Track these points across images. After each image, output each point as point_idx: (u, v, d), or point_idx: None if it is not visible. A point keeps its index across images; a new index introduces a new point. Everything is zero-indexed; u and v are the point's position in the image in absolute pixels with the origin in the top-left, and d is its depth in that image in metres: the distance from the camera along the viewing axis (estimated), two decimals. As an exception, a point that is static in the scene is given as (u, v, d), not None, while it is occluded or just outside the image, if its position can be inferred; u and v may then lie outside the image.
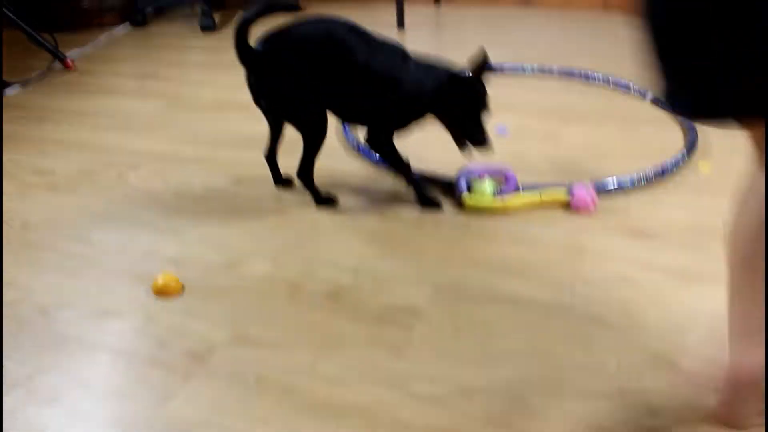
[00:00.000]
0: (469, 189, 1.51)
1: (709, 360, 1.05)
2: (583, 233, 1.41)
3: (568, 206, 1.50)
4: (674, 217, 1.46)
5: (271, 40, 1.45)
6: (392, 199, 1.56)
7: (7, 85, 2.44)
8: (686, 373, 1.03)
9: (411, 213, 1.50)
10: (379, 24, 3.17)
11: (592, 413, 0.97)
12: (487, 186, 1.50)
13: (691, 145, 1.72)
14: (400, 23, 3.08)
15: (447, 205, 1.52)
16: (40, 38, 2.65)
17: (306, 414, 0.98)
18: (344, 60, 1.43)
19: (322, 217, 1.50)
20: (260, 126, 1.96)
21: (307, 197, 1.56)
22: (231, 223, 1.50)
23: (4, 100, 2.37)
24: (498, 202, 1.49)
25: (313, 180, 1.54)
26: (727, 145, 1.78)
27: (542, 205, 1.50)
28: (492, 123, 1.94)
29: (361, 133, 1.55)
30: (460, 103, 1.45)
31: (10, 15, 2.64)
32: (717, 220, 1.43)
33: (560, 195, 1.50)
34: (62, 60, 2.66)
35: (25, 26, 2.65)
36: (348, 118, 1.54)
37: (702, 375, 1.02)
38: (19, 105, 2.31)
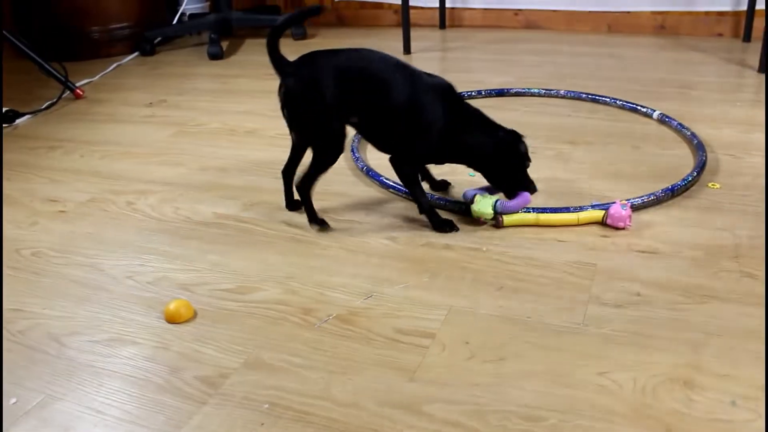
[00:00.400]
0: (472, 202, 1.52)
1: (724, 377, 1.05)
2: (595, 253, 1.40)
3: (602, 224, 1.51)
4: (686, 236, 1.45)
5: (310, 56, 1.49)
6: (403, 222, 1.56)
7: (19, 115, 2.46)
8: (702, 390, 1.02)
9: (422, 236, 1.50)
10: (386, 49, 3.19)
11: (609, 434, 0.96)
12: (489, 200, 1.50)
13: (700, 165, 1.72)
14: (407, 48, 3.10)
15: (461, 229, 1.52)
16: (50, 68, 2.68)
17: (320, 439, 0.97)
18: (384, 96, 1.46)
19: (333, 241, 1.50)
20: (269, 152, 1.97)
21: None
22: (241, 249, 1.50)
23: (16, 130, 2.39)
24: (532, 218, 1.51)
25: (310, 196, 1.55)
26: (735, 165, 1.79)
27: (578, 223, 1.51)
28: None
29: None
30: (507, 165, 1.49)
31: (21, 45, 2.68)
32: (728, 238, 1.43)
33: (597, 214, 1.51)
34: (72, 89, 2.69)
35: (35, 56, 2.68)
36: (381, 148, 1.57)
37: (717, 392, 1.02)
38: (30, 135, 2.34)
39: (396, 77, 1.47)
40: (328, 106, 1.45)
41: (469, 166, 1.54)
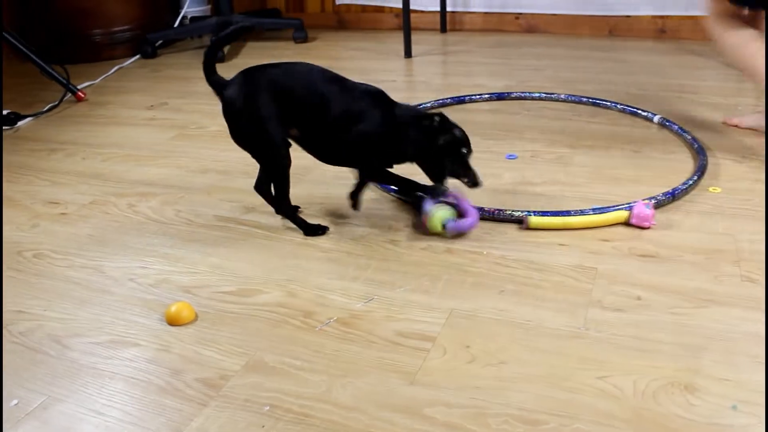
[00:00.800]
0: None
1: (725, 381, 1.05)
2: (595, 257, 1.41)
3: (627, 224, 1.52)
4: (686, 240, 1.46)
5: (245, 72, 1.49)
6: (404, 226, 1.57)
7: (21, 117, 2.47)
8: (703, 395, 1.03)
9: (423, 240, 1.50)
10: (387, 53, 3.22)
11: (610, 438, 0.96)
12: (441, 213, 1.48)
13: (701, 169, 1.72)
14: (408, 52, 3.11)
15: (459, 234, 1.52)
16: (52, 71, 2.68)
17: (321, 441, 0.98)
18: (321, 106, 1.46)
19: (334, 244, 1.51)
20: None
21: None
22: (242, 252, 1.50)
23: (17, 132, 2.40)
24: (560, 221, 1.51)
25: (293, 212, 1.58)
26: (736, 169, 1.79)
27: (603, 224, 1.52)
28: (502, 151, 1.97)
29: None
30: (448, 153, 1.50)
31: (23, 48, 2.68)
32: (729, 243, 1.44)
33: (622, 215, 1.52)
34: (74, 92, 2.69)
35: (37, 59, 2.69)
36: (327, 161, 1.56)
37: (718, 396, 1.02)
38: (32, 137, 2.34)
39: (332, 89, 1.48)
40: (265, 118, 1.45)
41: (415, 162, 1.54)
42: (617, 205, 1.55)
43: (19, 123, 2.46)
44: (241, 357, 1.16)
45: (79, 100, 2.70)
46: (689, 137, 1.95)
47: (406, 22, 3.06)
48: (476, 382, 1.07)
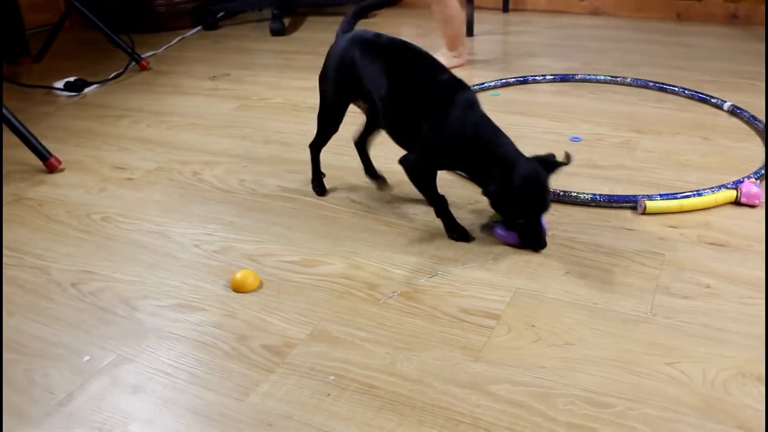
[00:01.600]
0: None
1: (802, 375, 1.03)
2: (663, 243, 1.38)
3: (736, 203, 1.52)
4: (757, 230, 1.42)
5: (361, 34, 1.48)
6: (464, 203, 1.56)
7: (87, 84, 2.52)
8: (777, 388, 1.00)
9: (484, 219, 1.49)
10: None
11: (678, 422, 0.95)
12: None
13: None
14: (470, 31, 3.07)
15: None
16: (118, 39, 2.72)
17: (386, 412, 0.98)
18: (411, 91, 1.38)
19: (398, 219, 1.51)
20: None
21: (383, 199, 1.58)
22: (306, 223, 1.51)
23: (84, 99, 2.44)
24: (676, 205, 1.49)
25: (317, 159, 1.64)
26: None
27: (715, 204, 1.51)
28: (566, 133, 1.94)
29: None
30: (522, 202, 1.32)
31: (91, 17, 2.73)
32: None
33: (731, 194, 1.51)
34: (138, 61, 2.73)
35: (104, 27, 2.73)
36: (396, 140, 1.47)
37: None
38: (98, 103, 2.38)
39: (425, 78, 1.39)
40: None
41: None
42: (724, 185, 1.54)
43: (86, 90, 2.51)
44: (305, 326, 1.17)
45: (143, 68, 2.74)
46: (761, 125, 1.89)
47: (469, 0, 3.02)
48: (542, 362, 1.07)
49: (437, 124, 1.34)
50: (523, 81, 2.37)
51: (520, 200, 1.30)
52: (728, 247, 1.37)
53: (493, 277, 1.29)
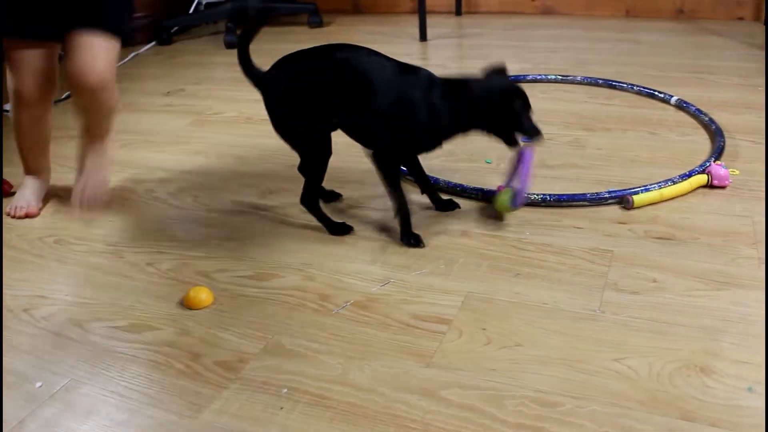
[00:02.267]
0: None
1: (742, 363, 1.05)
2: (611, 240, 1.41)
3: (708, 186, 1.59)
4: (703, 223, 1.45)
5: (280, 63, 1.44)
6: (420, 209, 1.57)
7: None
8: (719, 377, 1.03)
9: (439, 223, 1.51)
10: (402, 37, 3.21)
11: (625, 417, 0.97)
12: (505, 195, 1.48)
13: (718, 151, 1.71)
14: (423, 36, 3.09)
15: (475, 217, 1.53)
16: (69, 58, 2.69)
17: (338, 423, 0.99)
18: (363, 89, 1.37)
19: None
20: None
21: (335, 209, 1.58)
22: (259, 237, 1.51)
23: (36, 119, 2.41)
24: (657, 194, 1.53)
25: (318, 208, 1.50)
26: (755, 151, 1.78)
27: (690, 189, 1.57)
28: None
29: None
30: (510, 110, 1.39)
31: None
32: (747, 225, 1.43)
33: (703, 178, 1.58)
34: (91, 79, 2.70)
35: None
36: (364, 143, 1.46)
37: (734, 378, 1.02)
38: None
39: (374, 70, 1.39)
40: (303, 110, 1.40)
41: (478, 128, 1.42)
42: (694, 170, 1.60)
43: (38, 110, 2.47)
44: (259, 340, 1.18)
45: (97, 86, 2.71)
46: (707, 119, 1.94)
47: (421, 4, 3.04)
48: (492, 365, 1.08)
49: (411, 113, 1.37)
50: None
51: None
52: (675, 241, 1.40)
53: (444, 282, 1.30)
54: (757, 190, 1.57)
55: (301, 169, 1.53)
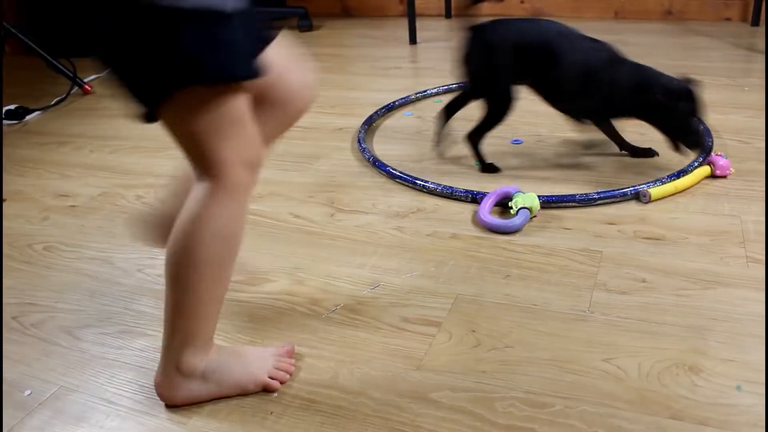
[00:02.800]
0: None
1: (730, 362, 1.06)
2: (601, 240, 1.41)
3: (712, 176, 1.65)
4: (692, 223, 1.46)
5: (493, 24, 1.67)
6: (410, 212, 1.57)
7: (29, 111, 2.49)
8: (707, 375, 1.03)
9: (429, 226, 1.51)
10: (392, 40, 3.22)
11: (615, 417, 0.97)
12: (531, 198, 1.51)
13: (707, 151, 1.71)
14: (413, 39, 3.10)
15: (465, 220, 1.53)
16: (58, 64, 2.70)
17: (328, 427, 0.99)
18: (551, 60, 1.63)
19: (340, 232, 1.52)
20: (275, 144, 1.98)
21: (325, 213, 1.59)
22: (250, 241, 1.50)
23: (25, 126, 2.41)
24: (671, 187, 1.58)
25: (479, 146, 1.74)
26: (743, 150, 1.79)
27: (698, 180, 1.63)
28: (507, 136, 1.97)
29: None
30: (679, 112, 1.59)
31: (29, 42, 2.70)
32: (735, 224, 1.44)
33: (707, 169, 1.65)
34: (81, 85, 2.70)
35: (43, 53, 2.70)
36: (554, 103, 1.73)
37: (722, 376, 1.02)
38: (40, 131, 2.36)
39: (563, 44, 1.65)
40: (501, 67, 1.65)
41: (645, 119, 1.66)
42: (693, 162, 1.66)
43: (27, 117, 2.47)
44: (249, 345, 1.17)
45: (86, 93, 2.71)
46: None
47: (411, 8, 3.05)
48: (482, 366, 1.08)
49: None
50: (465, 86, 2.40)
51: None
52: (664, 241, 1.40)
53: (434, 284, 1.30)
54: (744, 190, 1.58)
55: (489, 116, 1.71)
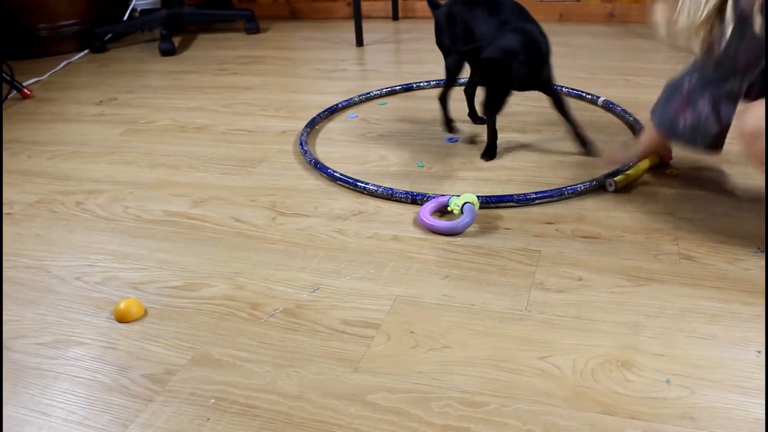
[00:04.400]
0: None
1: (660, 356, 1.08)
2: (540, 240, 1.43)
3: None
4: (628, 221, 1.49)
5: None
6: (351, 214, 1.58)
7: (-37, 116, 2.42)
8: (639, 370, 1.06)
9: (370, 228, 1.52)
10: (339, 42, 3.22)
11: (549, 414, 0.99)
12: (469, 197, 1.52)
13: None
14: (359, 41, 3.10)
15: (406, 221, 1.54)
16: (-5, 68, 2.63)
17: (267, 431, 0.98)
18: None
19: (281, 235, 1.51)
20: (219, 148, 1.98)
21: (267, 217, 1.58)
22: (190, 246, 1.50)
23: (-39, 131, 2.35)
24: (633, 172, 1.65)
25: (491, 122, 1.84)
26: (679, 150, 1.82)
27: (652, 164, 1.69)
28: (445, 136, 1.99)
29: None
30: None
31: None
32: (669, 222, 1.47)
33: (655, 157, 1.70)
34: (19, 89, 2.65)
35: (-20, 57, 2.63)
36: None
37: (653, 371, 1.05)
38: (-24, 136, 2.30)
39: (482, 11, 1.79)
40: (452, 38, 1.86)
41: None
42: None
43: (-36, 122, 2.41)
44: (187, 351, 1.16)
45: (25, 97, 2.65)
46: (632, 119, 1.99)
47: (357, 10, 3.05)
48: (419, 367, 1.09)
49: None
50: (408, 88, 2.42)
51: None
52: (600, 239, 1.43)
53: (374, 286, 1.31)
54: (678, 189, 1.62)
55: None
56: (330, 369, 1.10)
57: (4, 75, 2.62)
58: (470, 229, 1.48)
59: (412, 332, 1.17)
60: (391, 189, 1.62)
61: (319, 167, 1.77)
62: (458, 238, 1.45)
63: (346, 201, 1.63)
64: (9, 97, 2.61)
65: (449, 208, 1.51)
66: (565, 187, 1.58)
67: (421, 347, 1.14)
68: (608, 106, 2.12)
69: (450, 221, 1.48)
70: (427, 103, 2.29)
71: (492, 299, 1.25)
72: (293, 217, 1.59)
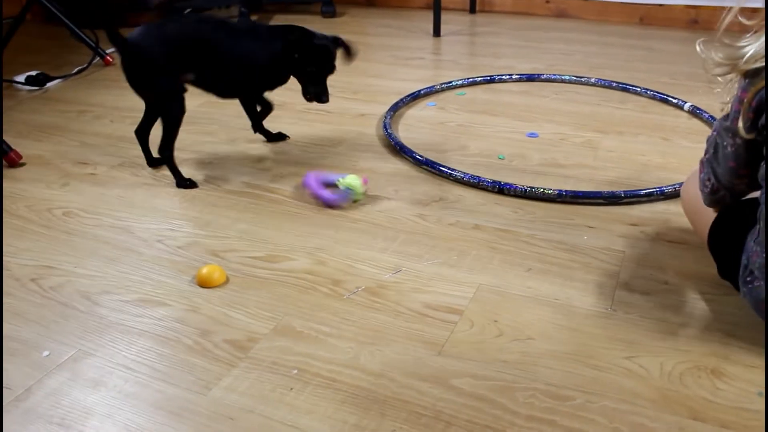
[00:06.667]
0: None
1: (752, 368, 1.05)
2: (623, 240, 1.40)
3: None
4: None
5: (143, 31, 1.61)
6: (433, 200, 1.57)
7: (50, 78, 2.48)
8: (729, 380, 1.03)
9: (452, 215, 1.50)
10: (416, 31, 3.21)
11: (636, 414, 0.96)
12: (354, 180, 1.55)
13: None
14: (437, 31, 3.09)
15: (488, 211, 1.52)
16: (81, 34, 2.69)
17: (348, 406, 0.98)
18: (211, 51, 1.64)
19: (362, 215, 1.51)
20: (297, 125, 1.98)
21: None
22: (271, 219, 1.51)
23: (46, 93, 2.41)
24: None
25: (173, 160, 1.67)
26: None
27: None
28: (525, 130, 1.96)
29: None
30: (314, 65, 1.71)
31: (54, 10, 2.69)
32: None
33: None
34: (103, 56, 2.70)
35: (68, 22, 2.69)
36: (222, 94, 1.79)
37: (744, 381, 1.02)
38: (60, 98, 2.35)
39: (218, 35, 1.66)
40: (163, 71, 1.61)
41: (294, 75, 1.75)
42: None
43: (48, 84, 2.47)
44: (269, 321, 1.17)
45: (107, 64, 2.71)
46: (720, 127, 1.93)
47: (436, 0, 3.04)
48: (503, 356, 1.08)
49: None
50: (490, 80, 2.39)
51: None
52: (687, 245, 1.39)
53: (456, 273, 1.30)
54: (769, 200, 1.57)
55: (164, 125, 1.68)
56: (413, 350, 1.09)
57: (89, 41, 2.67)
58: (553, 225, 1.46)
59: (495, 321, 1.16)
60: (477, 177, 1.60)
61: (404, 150, 1.76)
62: (541, 233, 1.43)
63: (427, 186, 1.62)
64: (92, 63, 2.66)
65: (337, 182, 1.55)
66: (656, 188, 1.54)
67: (505, 336, 1.12)
68: (695, 112, 2.07)
69: (333, 194, 1.53)
70: (507, 97, 2.27)
71: (576, 295, 1.23)
72: (374, 198, 1.58)
